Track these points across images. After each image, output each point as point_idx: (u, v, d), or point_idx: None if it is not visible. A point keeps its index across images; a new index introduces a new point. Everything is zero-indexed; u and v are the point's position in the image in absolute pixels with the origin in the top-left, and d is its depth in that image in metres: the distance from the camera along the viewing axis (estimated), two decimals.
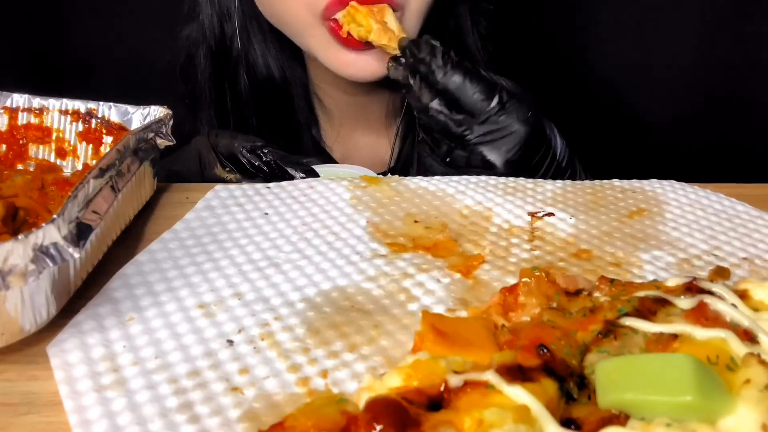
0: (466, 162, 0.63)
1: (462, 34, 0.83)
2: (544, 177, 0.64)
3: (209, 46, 0.83)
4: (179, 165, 0.71)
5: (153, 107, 0.59)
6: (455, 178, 0.61)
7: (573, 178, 0.66)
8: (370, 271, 0.48)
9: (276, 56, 0.82)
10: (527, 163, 0.64)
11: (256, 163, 0.65)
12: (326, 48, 0.73)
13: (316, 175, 0.65)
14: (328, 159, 0.86)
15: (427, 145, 0.66)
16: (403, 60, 0.66)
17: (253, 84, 0.83)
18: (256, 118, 0.83)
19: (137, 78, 1.02)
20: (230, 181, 0.66)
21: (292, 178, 0.64)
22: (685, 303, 0.37)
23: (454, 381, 0.32)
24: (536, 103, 0.65)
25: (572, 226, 0.55)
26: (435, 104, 0.63)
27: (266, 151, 0.65)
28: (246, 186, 0.59)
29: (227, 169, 0.67)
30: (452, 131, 0.63)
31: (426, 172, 0.66)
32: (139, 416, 0.35)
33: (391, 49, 0.68)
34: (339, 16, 0.70)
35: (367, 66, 0.72)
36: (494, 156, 0.62)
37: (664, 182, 0.62)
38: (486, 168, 0.63)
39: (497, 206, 0.57)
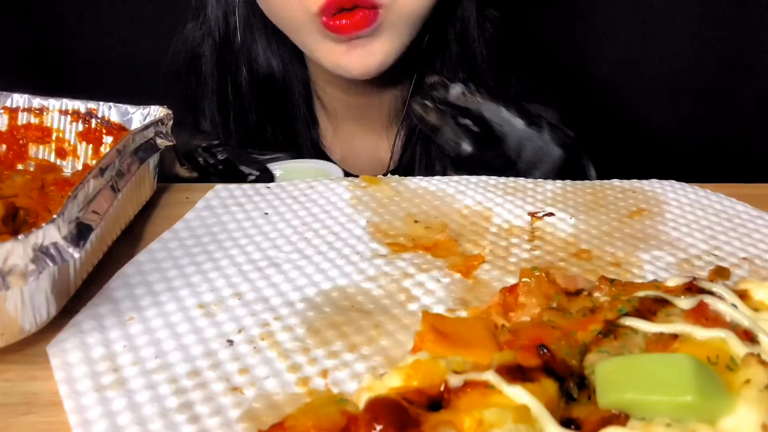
0: None
1: (468, 42, 0.82)
2: None
3: (213, 39, 0.83)
4: None
5: (153, 107, 0.59)
6: (455, 178, 0.61)
7: None
8: (370, 271, 0.48)
9: (277, 53, 0.82)
10: None
11: (212, 161, 0.65)
12: (320, 43, 0.72)
13: (270, 173, 0.64)
14: (327, 159, 0.86)
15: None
16: (429, 102, 0.62)
17: (254, 79, 0.83)
18: (255, 114, 0.83)
19: (137, 78, 1.02)
20: (187, 180, 0.65)
21: (244, 176, 0.64)
22: (685, 303, 0.37)
23: (454, 381, 0.32)
24: (571, 133, 0.63)
25: (572, 226, 0.55)
26: (467, 146, 0.61)
27: (221, 149, 0.65)
28: (246, 186, 0.59)
29: (185, 167, 0.66)
30: (491, 167, 0.61)
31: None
32: (139, 416, 0.35)
33: None
34: None
35: (359, 59, 0.71)
36: None
37: (664, 182, 0.62)
38: None
39: (497, 206, 0.57)
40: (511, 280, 0.45)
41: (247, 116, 0.83)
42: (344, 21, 0.67)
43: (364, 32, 0.68)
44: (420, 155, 0.82)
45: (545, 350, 0.33)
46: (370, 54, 0.70)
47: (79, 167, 0.60)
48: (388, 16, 0.69)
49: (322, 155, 0.86)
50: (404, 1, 0.70)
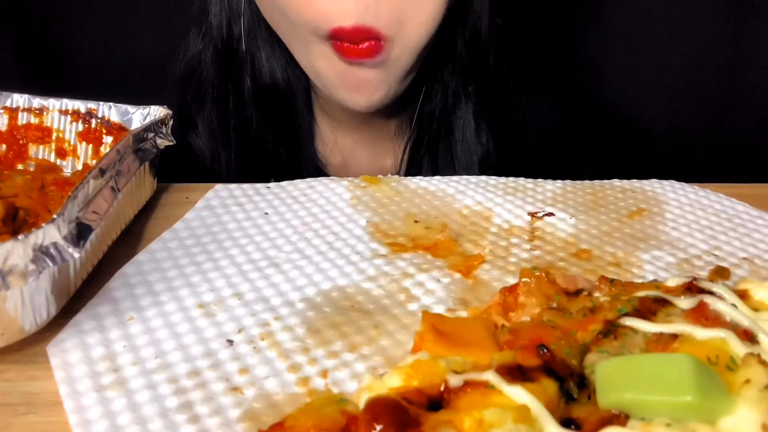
0: None
1: (479, 51, 0.80)
2: None
3: (216, 47, 0.82)
4: None
5: (153, 107, 0.59)
6: (455, 178, 0.61)
7: None
8: (370, 271, 0.48)
9: (281, 61, 0.81)
10: None
11: None
12: (330, 63, 0.70)
13: None
14: (328, 169, 0.85)
15: None
16: None
17: (256, 88, 0.82)
18: (256, 124, 0.83)
19: (137, 78, 1.02)
20: None
21: None
22: (685, 303, 0.37)
23: (454, 381, 0.32)
24: None
25: (572, 226, 0.55)
26: None
27: None
28: (246, 186, 0.59)
29: None
30: None
31: None
32: (139, 416, 0.35)
33: None
34: None
35: (364, 96, 0.69)
36: None
37: (664, 182, 0.62)
38: None
39: (497, 206, 0.57)
40: (511, 280, 0.45)
41: (248, 125, 0.82)
42: (347, 45, 0.67)
43: (367, 62, 0.67)
44: (427, 168, 0.81)
45: (545, 350, 0.33)
46: (373, 89, 0.69)
47: (79, 167, 0.60)
48: (393, 49, 0.68)
49: (324, 164, 0.85)
50: (411, 34, 0.68)
